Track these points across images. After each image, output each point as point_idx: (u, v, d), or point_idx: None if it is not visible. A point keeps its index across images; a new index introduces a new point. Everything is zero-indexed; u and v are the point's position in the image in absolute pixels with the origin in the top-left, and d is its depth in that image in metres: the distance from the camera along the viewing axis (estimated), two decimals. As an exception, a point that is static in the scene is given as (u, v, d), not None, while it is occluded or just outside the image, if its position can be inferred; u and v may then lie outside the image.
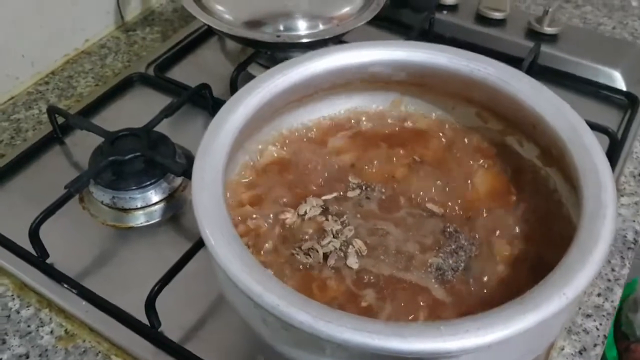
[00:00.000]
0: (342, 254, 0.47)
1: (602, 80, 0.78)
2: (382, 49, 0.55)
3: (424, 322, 0.40)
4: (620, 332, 1.17)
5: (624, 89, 0.77)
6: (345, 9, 0.72)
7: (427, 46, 0.54)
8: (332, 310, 0.37)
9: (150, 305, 0.52)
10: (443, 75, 0.54)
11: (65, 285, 0.57)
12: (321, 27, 0.71)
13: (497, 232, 0.49)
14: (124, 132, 0.65)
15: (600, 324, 0.56)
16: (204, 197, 0.42)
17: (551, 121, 0.47)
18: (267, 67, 0.76)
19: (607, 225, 0.40)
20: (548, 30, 0.82)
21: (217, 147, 0.45)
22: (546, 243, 0.48)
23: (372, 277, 0.45)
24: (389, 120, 0.58)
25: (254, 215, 0.49)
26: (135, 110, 0.75)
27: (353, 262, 0.46)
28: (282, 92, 0.52)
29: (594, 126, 0.48)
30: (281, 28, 0.70)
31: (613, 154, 0.67)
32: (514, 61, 0.78)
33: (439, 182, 0.53)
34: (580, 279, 0.38)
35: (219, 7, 0.71)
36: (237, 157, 0.52)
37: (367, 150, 0.56)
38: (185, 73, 0.81)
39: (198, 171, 0.43)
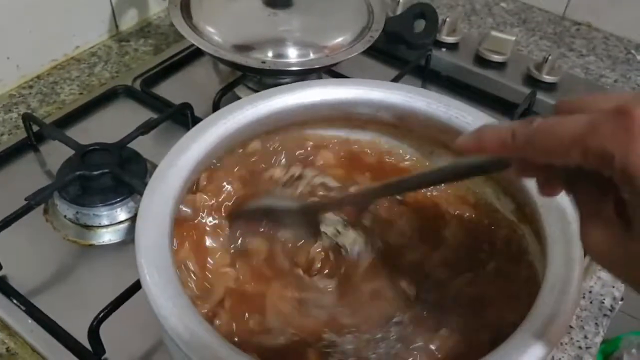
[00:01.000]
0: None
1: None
2: (361, 88, 0.53)
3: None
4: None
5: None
6: (338, 39, 0.70)
7: (407, 89, 0.53)
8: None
9: (93, 333, 0.50)
10: (421, 119, 0.52)
11: (14, 301, 0.55)
12: (312, 56, 0.69)
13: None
14: (96, 147, 0.63)
15: (569, 393, 0.54)
16: (147, 232, 0.40)
17: (526, 181, 0.45)
18: (255, 90, 0.76)
19: (569, 302, 0.38)
20: (546, 78, 0.80)
21: (169, 180, 0.43)
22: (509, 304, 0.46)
23: None
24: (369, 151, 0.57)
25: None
26: (116, 123, 0.74)
27: None
28: (249, 124, 0.50)
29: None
30: (270, 54, 0.68)
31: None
32: (509, 106, 0.77)
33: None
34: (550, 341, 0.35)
35: (209, 28, 0.69)
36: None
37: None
38: (172, 89, 0.79)
39: (146, 205, 0.42)
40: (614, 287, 0.61)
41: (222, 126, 0.48)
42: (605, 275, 0.62)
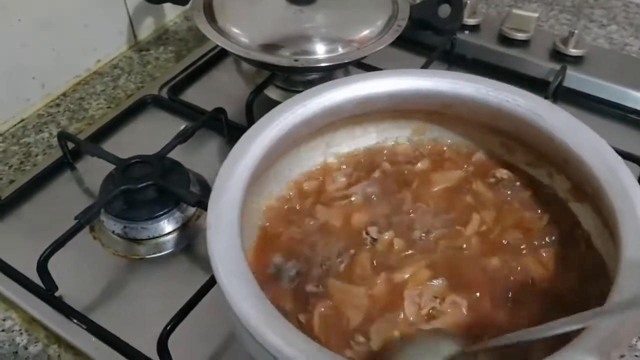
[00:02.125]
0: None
1: (630, 104, 0.75)
2: (406, 78, 0.52)
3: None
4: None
5: (654, 113, 0.74)
6: (365, 32, 0.70)
7: (452, 75, 0.52)
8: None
9: (162, 345, 0.50)
10: (469, 105, 0.52)
11: (75, 321, 0.55)
12: (340, 50, 0.68)
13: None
14: (136, 159, 0.63)
15: (633, 366, 0.53)
16: (219, 241, 0.40)
17: (586, 158, 0.45)
18: (285, 90, 0.75)
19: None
20: (573, 52, 0.79)
21: (233, 186, 0.43)
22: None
23: None
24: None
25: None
26: (148, 134, 0.73)
27: None
28: (300, 124, 0.50)
29: (624, 154, 0.46)
30: (299, 51, 0.67)
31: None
32: (539, 83, 0.76)
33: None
34: (625, 338, 0.35)
35: (235, 30, 0.69)
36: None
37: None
38: (199, 95, 0.79)
39: (213, 213, 0.41)
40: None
41: (275, 127, 0.48)
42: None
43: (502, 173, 0.54)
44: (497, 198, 0.52)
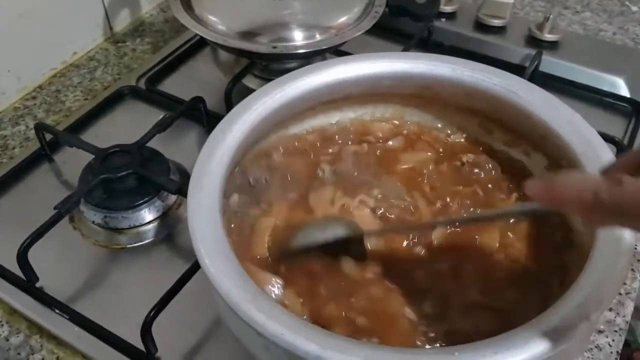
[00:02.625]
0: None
1: (605, 87, 0.76)
2: (383, 61, 0.53)
3: (439, 348, 0.38)
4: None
5: (628, 96, 0.76)
6: (343, 18, 0.70)
7: (429, 57, 0.53)
8: (340, 339, 0.35)
9: (146, 331, 0.50)
10: (445, 86, 0.52)
11: (56, 310, 0.54)
12: (318, 37, 0.68)
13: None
14: (115, 149, 0.62)
15: (613, 340, 0.54)
16: (201, 223, 0.40)
17: (563, 133, 0.46)
18: (263, 79, 0.75)
19: (626, 242, 0.38)
20: (549, 37, 0.80)
21: (213, 169, 0.43)
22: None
23: None
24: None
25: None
26: (127, 125, 0.73)
27: None
28: (279, 108, 0.50)
29: (600, 136, 0.46)
30: (276, 38, 0.67)
31: (620, 164, 0.65)
32: (515, 69, 0.77)
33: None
34: (604, 300, 0.36)
35: (212, 18, 0.69)
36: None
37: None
38: (177, 85, 0.78)
39: (194, 196, 0.41)
40: (643, 233, 0.62)
41: (254, 112, 0.48)
42: (634, 222, 0.63)
43: (469, 157, 0.54)
44: (460, 179, 0.53)
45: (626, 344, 1.15)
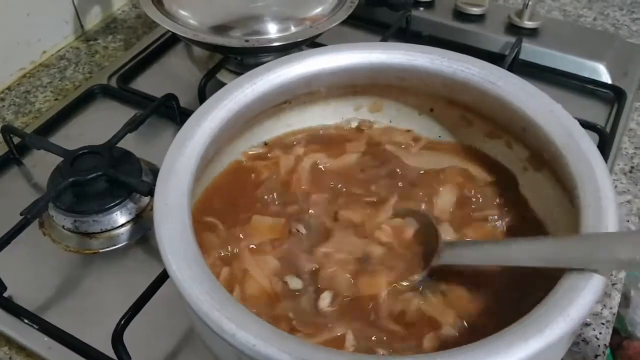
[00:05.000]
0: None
1: (586, 74, 0.75)
2: (359, 52, 0.51)
3: (419, 355, 0.36)
4: (612, 329, 1.15)
5: (610, 82, 0.74)
6: (318, 9, 0.68)
7: (406, 47, 0.51)
8: (313, 348, 0.33)
9: (117, 340, 0.48)
10: (423, 76, 0.51)
11: (26, 320, 0.52)
12: (293, 29, 0.67)
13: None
14: (84, 150, 0.60)
15: (600, 333, 0.53)
16: (168, 226, 0.38)
17: (543, 124, 0.44)
18: (238, 73, 0.73)
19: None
20: (529, 24, 0.79)
21: (181, 169, 0.41)
22: None
23: None
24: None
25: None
26: (98, 125, 0.71)
27: None
28: (251, 103, 0.48)
29: (582, 123, 0.45)
30: (250, 32, 0.65)
31: (603, 151, 0.64)
32: (495, 57, 0.76)
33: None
34: (585, 297, 0.35)
35: (183, 12, 0.67)
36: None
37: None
38: (150, 83, 0.76)
39: (161, 197, 0.39)
40: (628, 221, 0.61)
41: (224, 108, 0.46)
42: (618, 212, 0.62)
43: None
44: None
45: (616, 332, 1.15)
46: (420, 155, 0.53)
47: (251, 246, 0.46)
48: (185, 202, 0.40)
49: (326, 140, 0.54)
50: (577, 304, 0.34)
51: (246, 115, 0.49)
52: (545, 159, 0.46)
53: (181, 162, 0.42)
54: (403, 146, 0.54)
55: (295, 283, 0.44)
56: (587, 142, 0.42)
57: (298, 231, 0.47)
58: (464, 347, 0.32)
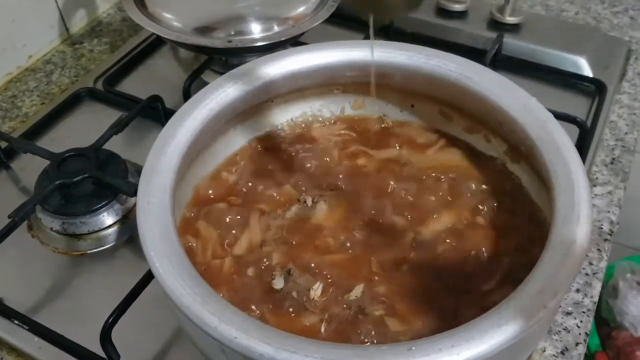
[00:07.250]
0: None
1: (568, 68, 0.76)
2: (339, 50, 0.52)
3: (394, 343, 0.37)
4: (601, 319, 1.16)
5: (591, 75, 0.75)
6: (301, 9, 0.69)
7: (384, 44, 0.52)
8: (294, 339, 0.34)
9: (105, 338, 0.48)
10: (403, 73, 0.52)
11: (16, 322, 0.53)
12: (276, 29, 0.67)
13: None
14: (71, 153, 0.61)
15: (581, 322, 0.54)
16: (150, 225, 0.39)
17: (518, 118, 0.45)
18: (222, 74, 0.73)
19: (583, 227, 0.38)
20: (510, 19, 0.79)
21: (163, 168, 0.42)
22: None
23: None
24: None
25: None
26: (85, 128, 0.71)
27: None
28: (233, 101, 0.49)
29: (562, 117, 0.46)
30: (233, 32, 0.66)
31: (584, 144, 0.65)
32: (477, 53, 0.76)
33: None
34: (559, 285, 0.35)
35: (167, 15, 0.67)
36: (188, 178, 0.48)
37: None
38: (136, 85, 0.77)
39: (144, 196, 0.40)
40: (609, 211, 0.62)
41: (206, 107, 0.47)
42: (598, 201, 0.62)
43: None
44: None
45: (605, 322, 1.16)
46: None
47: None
48: (168, 200, 0.40)
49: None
50: (552, 293, 0.35)
51: (229, 114, 0.50)
52: (522, 151, 0.47)
53: (164, 161, 0.43)
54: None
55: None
56: (561, 134, 0.43)
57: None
58: (438, 335, 0.33)
